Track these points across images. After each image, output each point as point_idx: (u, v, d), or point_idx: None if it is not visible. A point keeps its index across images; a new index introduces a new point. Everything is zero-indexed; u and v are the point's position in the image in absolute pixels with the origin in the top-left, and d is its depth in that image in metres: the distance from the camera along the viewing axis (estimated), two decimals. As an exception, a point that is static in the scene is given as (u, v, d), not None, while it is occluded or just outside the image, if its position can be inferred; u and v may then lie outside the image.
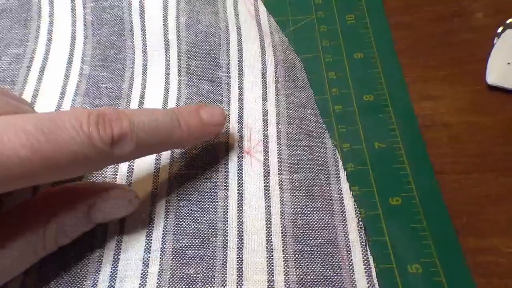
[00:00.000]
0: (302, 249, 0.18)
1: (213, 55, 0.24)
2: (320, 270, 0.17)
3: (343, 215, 0.19)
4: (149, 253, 0.18)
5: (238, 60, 0.24)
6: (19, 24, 0.25)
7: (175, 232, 0.19)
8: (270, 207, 0.19)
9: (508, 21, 0.24)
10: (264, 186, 0.19)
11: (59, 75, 0.24)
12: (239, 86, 0.23)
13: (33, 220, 0.15)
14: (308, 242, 0.18)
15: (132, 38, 0.25)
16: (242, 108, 0.22)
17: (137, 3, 0.25)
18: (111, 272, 0.18)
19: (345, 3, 0.26)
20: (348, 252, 0.18)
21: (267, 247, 0.18)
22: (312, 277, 0.17)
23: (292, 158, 0.20)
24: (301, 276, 0.17)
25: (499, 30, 0.24)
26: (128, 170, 0.20)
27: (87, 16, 0.25)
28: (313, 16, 0.26)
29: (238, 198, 0.19)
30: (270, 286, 0.17)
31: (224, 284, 0.17)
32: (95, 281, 0.18)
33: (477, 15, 0.25)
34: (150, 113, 0.16)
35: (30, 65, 0.24)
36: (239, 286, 0.17)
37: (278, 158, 0.20)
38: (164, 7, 0.25)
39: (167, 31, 0.24)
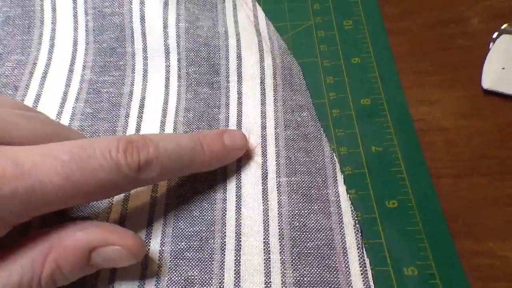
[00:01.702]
0: (299, 251, 0.18)
1: (212, 61, 0.24)
2: (317, 272, 0.17)
3: (340, 217, 0.19)
4: (148, 255, 0.18)
5: (237, 65, 0.24)
6: (22, 31, 0.26)
7: (174, 234, 0.19)
8: (267, 209, 0.19)
9: (503, 27, 0.24)
10: (262, 188, 0.20)
11: (60, 81, 0.24)
12: (237, 91, 0.23)
13: (31, 257, 0.15)
14: (305, 244, 0.18)
15: (133, 44, 0.25)
16: (241, 112, 0.22)
17: (137, 9, 0.25)
18: (110, 273, 0.18)
19: (342, 9, 0.27)
20: (345, 255, 0.18)
21: (264, 249, 0.18)
22: (309, 279, 0.17)
23: (290, 161, 0.20)
24: (298, 278, 0.17)
25: (494, 35, 0.24)
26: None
27: (89, 23, 0.26)
28: (311, 21, 0.27)
29: (236, 200, 0.19)
30: (267, 288, 0.17)
31: (221, 286, 0.17)
32: (94, 283, 0.18)
33: (472, 21, 0.25)
34: (175, 138, 0.17)
35: (32, 71, 0.25)
36: (236, 288, 0.17)
37: (276, 161, 0.20)
38: (164, 14, 0.25)
39: (167, 37, 0.25)
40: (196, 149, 0.18)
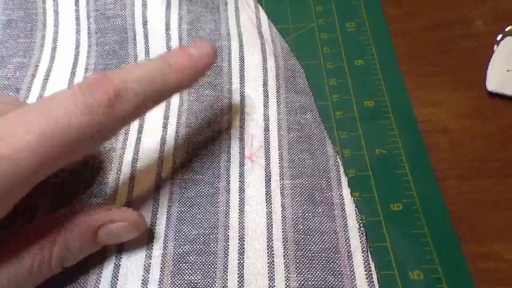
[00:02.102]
0: (303, 254, 0.18)
1: (214, 63, 0.24)
2: (321, 275, 0.17)
3: (344, 220, 0.19)
4: (150, 259, 0.18)
5: (240, 67, 0.24)
6: (24, 33, 0.26)
7: (176, 237, 0.19)
8: (271, 212, 0.19)
9: (507, 29, 0.24)
10: (266, 191, 0.20)
11: (62, 83, 0.24)
12: (240, 93, 0.23)
13: (40, 240, 0.15)
14: (309, 247, 0.18)
15: (135, 46, 0.25)
16: (244, 114, 0.22)
17: (140, 12, 0.25)
18: (112, 277, 0.18)
19: (345, 11, 0.27)
20: (349, 258, 0.18)
21: (268, 252, 0.18)
22: (313, 282, 0.17)
23: (293, 163, 0.20)
24: (302, 282, 0.17)
25: (499, 37, 0.24)
26: (130, 174, 0.20)
27: (91, 25, 0.26)
28: (313, 23, 0.27)
29: (239, 203, 0.19)
30: (271, 292, 0.17)
31: (225, 290, 0.17)
32: (97, 285, 0.18)
33: (476, 22, 0.25)
34: (140, 66, 0.16)
35: (34, 73, 0.25)
36: (240, 292, 0.17)
37: (279, 163, 0.20)
38: (167, 16, 0.25)
39: (170, 39, 0.25)
40: (166, 69, 0.17)
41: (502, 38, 0.24)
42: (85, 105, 0.14)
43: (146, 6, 0.25)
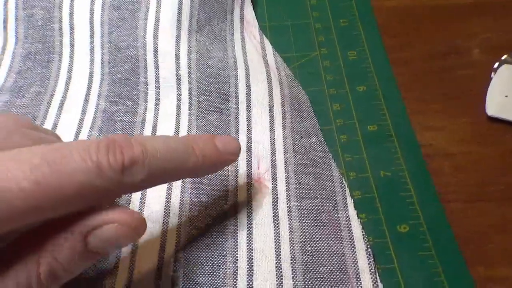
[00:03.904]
0: (312, 276, 0.18)
1: (222, 90, 0.25)
2: (330, 297, 0.17)
3: (352, 242, 0.19)
4: (160, 280, 0.18)
5: (246, 94, 0.25)
6: (41, 65, 0.27)
7: (186, 259, 0.19)
8: (279, 234, 0.19)
9: (503, 58, 0.25)
10: (273, 213, 0.20)
11: (76, 110, 0.25)
12: (247, 118, 0.24)
13: (23, 257, 0.13)
14: (318, 269, 0.18)
15: (146, 74, 0.26)
16: (251, 138, 0.23)
17: (151, 42, 0.26)
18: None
19: (346, 41, 0.28)
20: (358, 280, 0.18)
21: (276, 274, 0.18)
22: (322, 304, 0.17)
23: (300, 186, 0.21)
24: (311, 304, 0.17)
25: (495, 65, 0.25)
26: (140, 199, 0.21)
27: (105, 56, 0.27)
28: (316, 52, 0.28)
29: (247, 225, 0.20)
30: (280, 314, 0.17)
31: (234, 312, 0.17)
32: None
33: (473, 51, 0.26)
34: (164, 139, 0.16)
35: (50, 101, 0.25)
36: (249, 315, 0.17)
37: (286, 185, 0.21)
38: (176, 46, 0.26)
39: (179, 68, 0.26)
40: (188, 151, 0.16)
41: (499, 66, 0.25)
42: (95, 165, 0.13)
43: (157, 38, 0.27)
